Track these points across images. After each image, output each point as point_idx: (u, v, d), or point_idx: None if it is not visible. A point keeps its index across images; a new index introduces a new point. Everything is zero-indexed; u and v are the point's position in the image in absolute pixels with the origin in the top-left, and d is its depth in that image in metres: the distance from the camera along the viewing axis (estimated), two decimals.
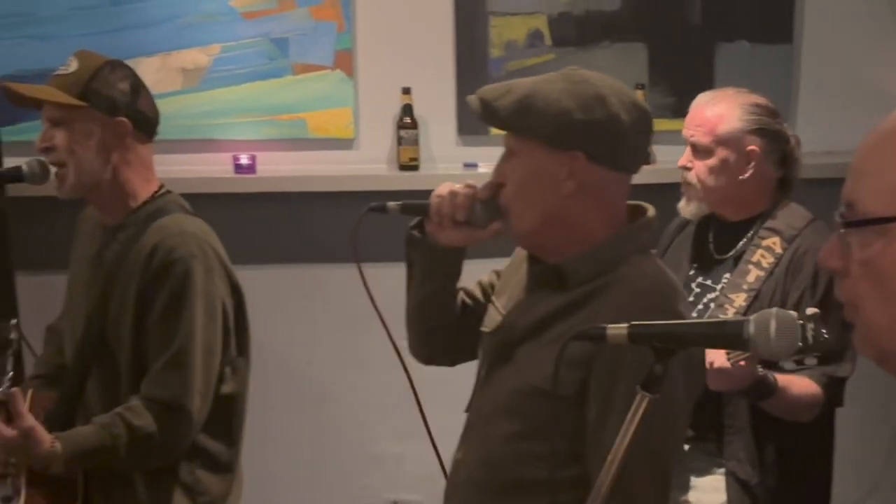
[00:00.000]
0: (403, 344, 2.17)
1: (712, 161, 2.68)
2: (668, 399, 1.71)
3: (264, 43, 3.64)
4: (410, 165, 3.69)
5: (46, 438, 2.30)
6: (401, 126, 3.67)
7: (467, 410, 2.10)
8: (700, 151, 2.69)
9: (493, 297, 2.15)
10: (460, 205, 1.98)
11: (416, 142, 3.68)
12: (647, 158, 2.01)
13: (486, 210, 1.98)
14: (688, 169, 2.72)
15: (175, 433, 2.39)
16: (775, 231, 2.70)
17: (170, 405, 2.37)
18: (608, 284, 1.89)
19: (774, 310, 1.49)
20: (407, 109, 3.67)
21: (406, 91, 3.66)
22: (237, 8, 3.60)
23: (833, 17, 3.87)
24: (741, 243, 2.72)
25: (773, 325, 1.46)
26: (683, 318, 1.87)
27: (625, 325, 1.53)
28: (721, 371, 2.42)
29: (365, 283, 2.04)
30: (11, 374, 2.19)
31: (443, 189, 2.01)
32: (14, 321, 2.13)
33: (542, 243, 1.99)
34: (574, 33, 3.72)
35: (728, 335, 1.51)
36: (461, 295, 2.20)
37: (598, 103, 1.87)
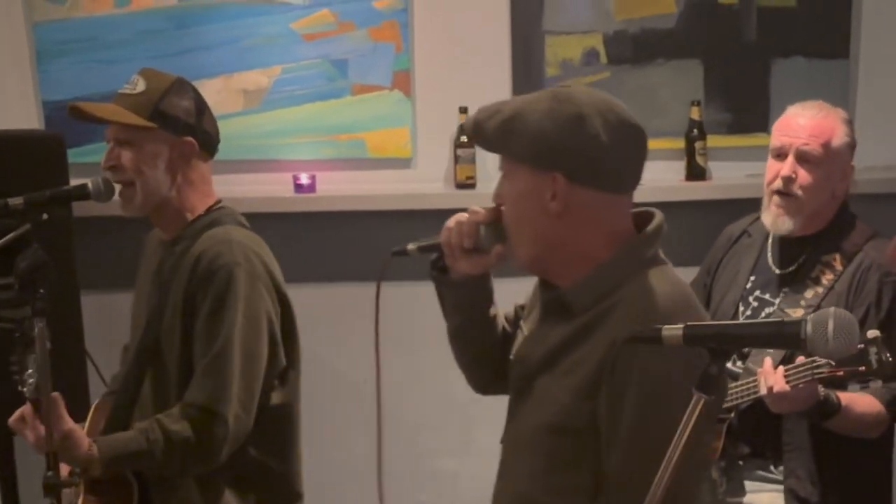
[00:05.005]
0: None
1: (820, 173, 2.60)
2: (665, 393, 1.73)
3: (324, 64, 3.69)
4: (467, 184, 3.71)
5: (84, 442, 2.33)
6: (458, 145, 3.70)
7: (502, 441, 2.08)
8: (810, 162, 2.60)
9: (522, 322, 2.13)
10: (465, 232, 1.98)
11: (472, 160, 3.70)
12: (638, 178, 1.93)
13: (490, 234, 1.97)
14: (791, 179, 2.62)
15: (211, 438, 2.39)
16: (836, 247, 2.67)
17: (206, 409, 2.39)
18: (611, 308, 1.85)
19: (832, 309, 1.48)
20: (464, 128, 3.70)
21: (463, 110, 3.68)
22: (298, 30, 3.66)
23: (890, 31, 3.82)
24: (801, 258, 2.70)
25: (830, 325, 1.45)
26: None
27: (680, 326, 1.53)
28: (782, 395, 2.40)
29: (377, 326, 2.18)
30: (31, 371, 2.18)
31: (451, 221, 2.01)
32: (41, 324, 2.14)
33: (545, 268, 1.96)
34: (630, 51, 3.71)
35: (785, 335, 1.49)
36: (501, 320, 2.18)
37: (577, 123, 1.83)
